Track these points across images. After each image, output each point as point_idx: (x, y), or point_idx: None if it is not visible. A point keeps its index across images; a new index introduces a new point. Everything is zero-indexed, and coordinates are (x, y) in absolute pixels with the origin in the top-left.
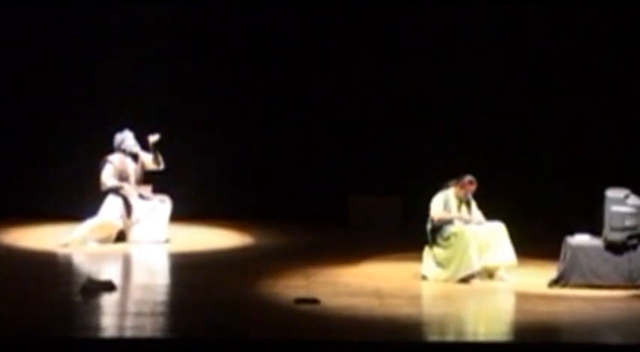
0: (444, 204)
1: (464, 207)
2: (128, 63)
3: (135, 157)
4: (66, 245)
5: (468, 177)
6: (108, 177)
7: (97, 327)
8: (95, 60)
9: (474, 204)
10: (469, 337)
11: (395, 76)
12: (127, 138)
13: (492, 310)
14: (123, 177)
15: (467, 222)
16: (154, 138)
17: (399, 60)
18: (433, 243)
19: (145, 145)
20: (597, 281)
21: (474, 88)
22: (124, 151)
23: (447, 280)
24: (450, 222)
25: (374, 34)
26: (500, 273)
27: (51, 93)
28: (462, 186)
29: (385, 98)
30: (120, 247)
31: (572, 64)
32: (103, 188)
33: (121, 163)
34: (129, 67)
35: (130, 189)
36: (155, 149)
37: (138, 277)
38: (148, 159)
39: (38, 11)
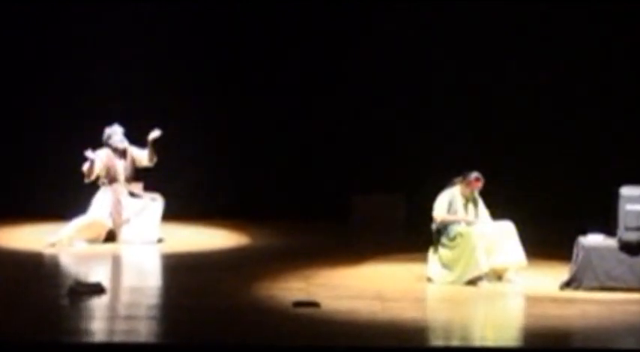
0: (448, 203)
1: (470, 206)
2: (119, 58)
3: (123, 153)
4: (52, 245)
5: (475, 174)
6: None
7: (86, 332)
8: (84, 55)
9: (481, 203)
10: (476, 342)
11: (398, 71)
12: (114, 134)
13: (501, 314)
14: (111, 173)
15: (470, 224)
16: (155, 134)
17: (405, 54)
18: (438, 243)
19: (136, 141)
20: (611, 284)
21: (483, 81)
22: (110, 146)
23: (453, 282)
24: (454, 222)
25: (374, 30)
26: (509, 275)
27: (35, 89)
28: (468, 184)
29: (389, 91)
30: (109, 248)
31: (587, 61)
32: (87, 180)
33: (108, 158)
34: (120, 62)
35: (120, 186)
36: (153, 145)
37: (128, 279)
38: (140, 155)
39: (27, 8)
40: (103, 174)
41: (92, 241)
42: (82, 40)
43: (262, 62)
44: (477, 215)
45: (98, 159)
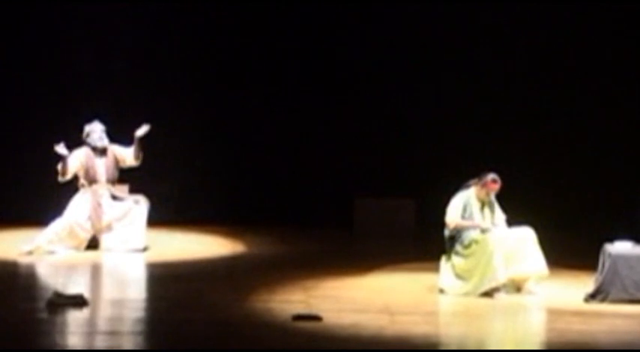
0: (462, 207)
1: (487, 211)
2: (104, 53)
3: (103, 152)
4: (29, 253)
5: (491, 176)
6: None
7: (65, 348)
8: (61, 49)
9: (497, 208)
10: None
11: (408, 70)
12: (93, 131)
13: (520, 329)
14: (90, 174)
15: (486, 231)
16: (143, 129)
17: (416, 53)
18: (452, 251)
19: (119, 139)
20: None
21: (501, 80)
22: (89, 145)
23: (467, 294)
24: (469, 228)
25: (381, 29)
26: (529, 286)
27: (6, 86)
28: (484, 186)
29: (395, 89)
30: (90, 256)
31: (610, 66)
32: (61, 178)
33: (87, 158)
34: (105, 57)
35: (101, 188)
36: (140, 142)
37: (111, 291)
38: (124, 154)
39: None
40: (81, 174)
41: (73, 249)
42: (60, 32)
43: (262, 61)
44: (493, 220)
45: (75, 158)
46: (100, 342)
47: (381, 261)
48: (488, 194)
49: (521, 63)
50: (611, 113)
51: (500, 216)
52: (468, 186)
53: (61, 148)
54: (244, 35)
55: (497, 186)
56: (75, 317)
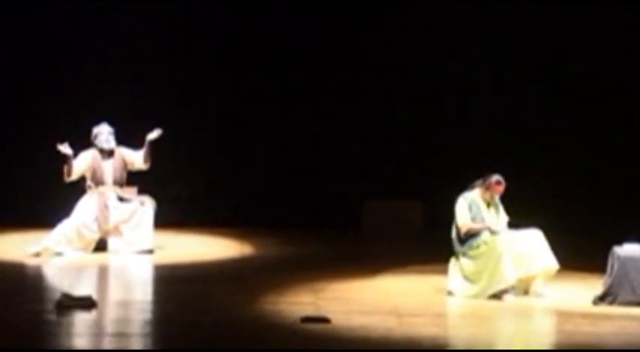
0: (468, 209)
1: (493, 211)
2: (113, 56)
3: (110, 154)
4: (37, 254)
5: (496, 177)
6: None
7: (73, 350)
8: (68, 50)
9: (501, 209)
10: None
11: (415, 71)
12: (100, 133)
13: (528, 331)
14: (97, 175)
15: (494, 232)
16: (154, 133)
17: (424, 55)
18: (460, 253)
19: (127, 141)
20: None
21: (507, 82)
22: (96, 147)
23: (476, 296)
24: (479, 230)
25: (389, 30)
26: (537, 288)
27: (11, 87)
28: (488, 187)
29: (405, 91)
30: (98, 258)
31: (619, 69)
32: (67, 178)
33: (93, 160)
34: (113, 60)
35: (108, 189)
36: (151, 146)
37: (118, 292)
38: (133, 157)
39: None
40: (88, 176)
41: (81, 250)
42: (65, 34)
43: (270, 63)
44: (498, 221)
45: (82, 160)
46: (108, 344)
47: (390, 262)
48: (492, 196)
49: (527, 64)
50: (620, 115)
51: (503, 218)
52: (472, 187)
53: (64, 147)
54: (250, 37)
55: (501, 188)
56: (82, 319)
